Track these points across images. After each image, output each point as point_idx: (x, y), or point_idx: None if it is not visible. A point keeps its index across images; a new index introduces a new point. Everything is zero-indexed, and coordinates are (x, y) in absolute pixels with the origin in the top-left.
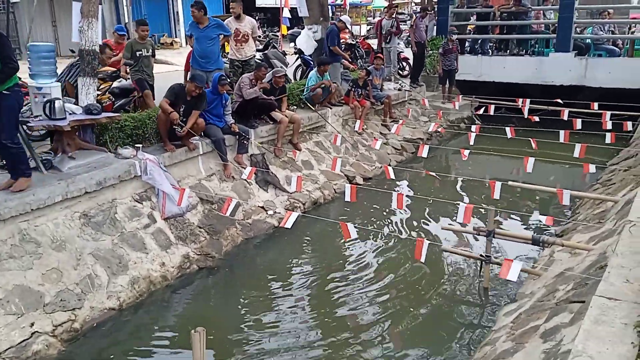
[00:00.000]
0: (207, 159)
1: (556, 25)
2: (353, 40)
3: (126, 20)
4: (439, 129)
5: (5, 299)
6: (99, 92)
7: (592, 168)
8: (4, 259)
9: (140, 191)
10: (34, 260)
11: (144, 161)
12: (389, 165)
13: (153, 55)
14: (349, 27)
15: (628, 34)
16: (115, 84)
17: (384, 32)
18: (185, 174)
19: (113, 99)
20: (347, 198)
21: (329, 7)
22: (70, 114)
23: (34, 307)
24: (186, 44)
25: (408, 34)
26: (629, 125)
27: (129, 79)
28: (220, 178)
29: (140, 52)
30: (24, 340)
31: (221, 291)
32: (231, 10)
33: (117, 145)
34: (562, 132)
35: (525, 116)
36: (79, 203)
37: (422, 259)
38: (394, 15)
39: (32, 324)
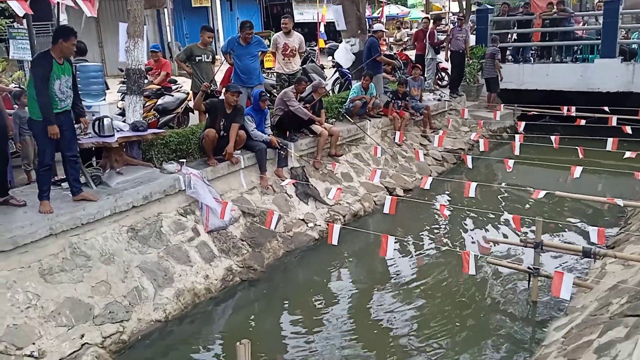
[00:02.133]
0: (249, 173)
1: (601, 30)
2: (391, 52)
3: (169, 40)
4: (481, 140)
5: (56, 311)
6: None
7: None
8: (56, 272)
9: (184, 205)
10: (84, 273)
11: (188, 176)
12: (430, 176)
13: (213, 62)
14: (384, 29)
15: None
16: (160, 101)
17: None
18: (227, 187)
19: (158, 116)
20: (386, 210)
21: (366, 20)
22: (117, 131)
23: (83, 319)
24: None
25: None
26: None
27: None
28: (262, 191)
29: (200, 58)
30: (74, 352)
31: (264, 304)
32: (283, 26)
33: (162, 160)
34: (610, 140)
35: (572, 123)
36: (126, 217)
37: (472, 272)
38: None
39: (82, 336)
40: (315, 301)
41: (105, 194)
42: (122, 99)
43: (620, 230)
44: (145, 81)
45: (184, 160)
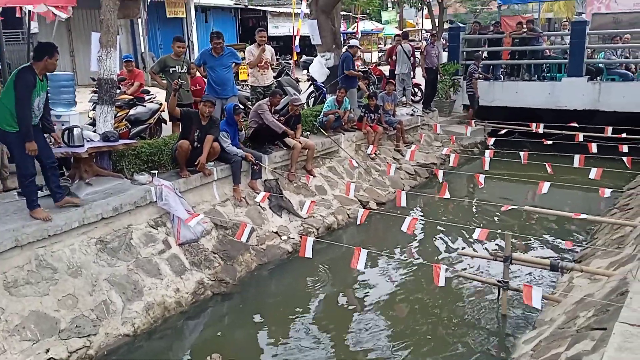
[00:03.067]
0: (222, 185)
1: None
2: (365, 67)
3: (142, 50)
4: (452, 155)
5: (21, 325)
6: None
7: (608, 192)
8: (21, 284)
9: (155, 217)
10: (50, 286)
11: (160, 187)
12: (403, 189)
13: (188, 72)
14: (359, 46)
15: None
16: (132, 111)
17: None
18: (200, 199)
19: (130, 126)
20: (359, 221)
21: (341, 35)
22: (88, 141)
23: (49, 333)
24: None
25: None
26: None
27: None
28: (235, 203)
29: (174, 69)
30: None
31: (235, 318)
32: (260, 39)
33: (134, 171)
34: (577, 157)
35: (540, 140)
36: (95, 229)
37: (442, 284)
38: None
39: (48, 351)
40: (288, 315)
41: (73, 205)
42: (93, 109)
43: (586, 244)
44: (118, 91)
45: (156, 172)
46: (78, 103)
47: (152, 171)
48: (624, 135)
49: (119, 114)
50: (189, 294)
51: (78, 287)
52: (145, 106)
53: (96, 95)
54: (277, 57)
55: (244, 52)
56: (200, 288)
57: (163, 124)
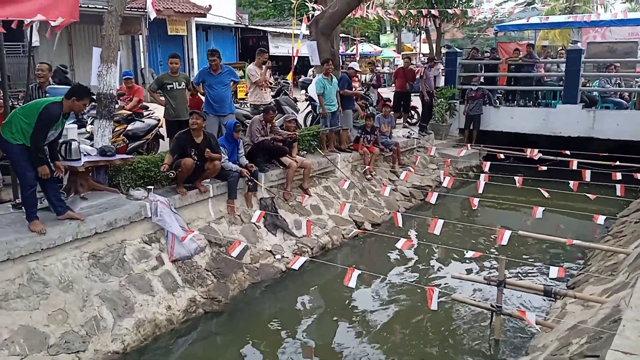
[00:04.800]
0: (217, 202)
1: (563, 77)
2: (362, 89)
3: (142, 66)
4: (447, 178)
5: (10, 339)
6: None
7: (601, 219)
8: (11, 298)
9: (149, 233)
10: (40, 300)
11: (155, 203)
12: (398, 211)
13: (187, 88)
14: (358, 69)
15: (635, 87)
16: (130, 126)
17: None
18: (195, 216)
19: (127, 141)
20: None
21: (340, 56)
22: (85, 155)
23: (38, 348)
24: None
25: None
26: (639, 176)
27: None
28: (230, 221)
29: (172, 86)
30: None
31: (226, 336)
32: (264, 60)
33: (130, 186)
34: (571, 183)
35: (535, 165)
36: (88, 243)
37: (434, 307)
38: (375, 70)
39: None
40: (279, 335)
41: (75, 219)
42: (92, 123)
43: (580, 271)
44: (117, 106)
45: (152, 187)
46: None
47: (148, 187)
48: (617, 162)
49: (117, 129)
50: (180, 312)
51: (69, 302)
52: (143, 122)
53: (95, 109)
54: (277, 77)
55: (243, 71)
56: (192, 306)
57: (160, 140)
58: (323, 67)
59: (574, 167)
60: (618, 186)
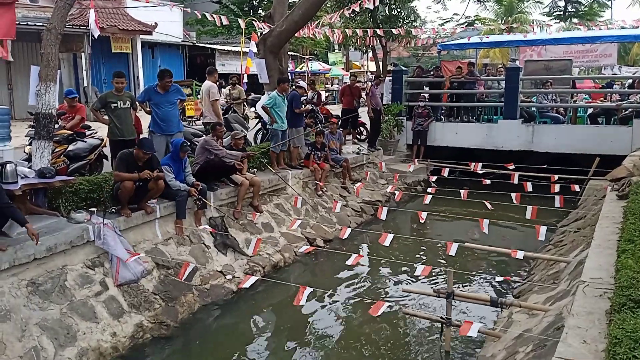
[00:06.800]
0: (165, 223)
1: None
2: (312, 106)
3: (85, 85)
4: (396, 192)
5: None
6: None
7: (543, 230)
8: None
9: (92, 257)
10: None
11: (98, 225)
12: (349, 226)
13: (134, 108)
14: (306, 87)
15: (570, 102)
16: (71, 147)
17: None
18: (141, 238)
19: (68, 162)
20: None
21: (289, 74)
22: (22, 177)
23: None
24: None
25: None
26: (576, 187)
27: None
28: (178, 242)
29: (116, 105)
30: None
31: None
32: (216, 79)
33: (71, 209)
34: (513, 195)
35: (479, 179)
36: (26, 270)
37: (378, 314)
38: (314, 89)
39: None
40: (230, 357)
41: (4, 245)
42: (30, 144)
43: (524, 280)
44: (57, 126)
45: (95, 209)
46: (14, 138)
47: (91, 209)
48: (557, 176)
49: (57, 150)
50: (126, 338)
51: (6, 332)
52: (85, 141)
53: (33, 130)
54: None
55: (191, 89)
56: (139, 331)
57: (104, 160)
58: (280, 86)
59: (515, 181)
60: (557, 197)
